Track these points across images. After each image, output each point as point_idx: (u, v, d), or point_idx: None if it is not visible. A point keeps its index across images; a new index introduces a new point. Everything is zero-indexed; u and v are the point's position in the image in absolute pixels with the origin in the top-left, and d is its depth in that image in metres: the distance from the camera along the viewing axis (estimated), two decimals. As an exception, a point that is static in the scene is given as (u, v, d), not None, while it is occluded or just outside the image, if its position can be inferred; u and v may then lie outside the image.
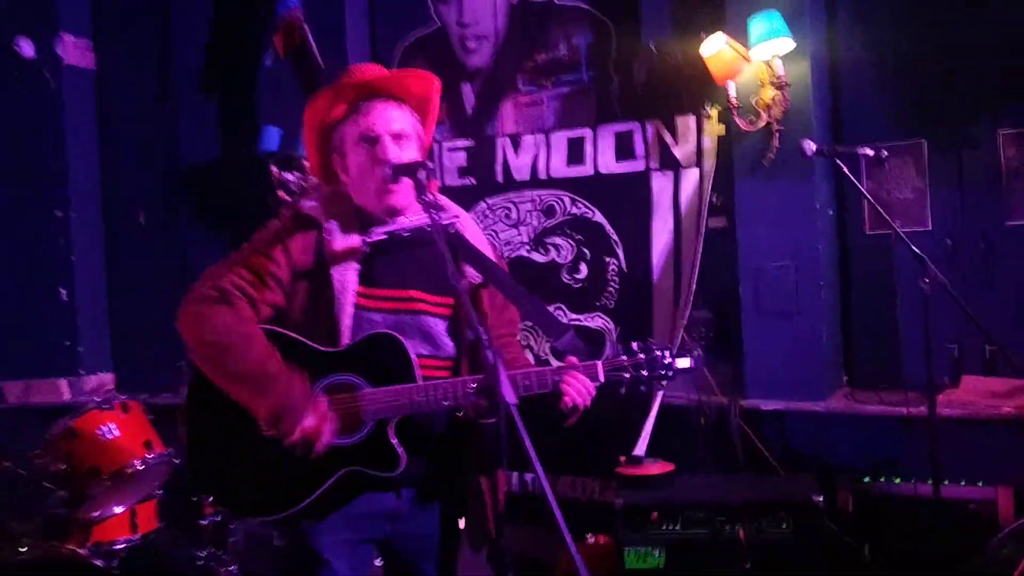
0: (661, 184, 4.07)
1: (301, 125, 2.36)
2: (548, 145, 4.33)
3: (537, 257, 4.35)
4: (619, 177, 4.17)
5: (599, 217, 4.23)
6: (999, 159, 3.63)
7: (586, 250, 4.26)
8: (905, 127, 3.79)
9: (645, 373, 2.25)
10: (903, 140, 3.77)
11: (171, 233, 5.32)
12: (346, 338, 2.22)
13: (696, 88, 3.93)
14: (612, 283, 4.20)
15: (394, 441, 2.18)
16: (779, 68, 3.62)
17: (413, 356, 2.20)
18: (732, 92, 3.75)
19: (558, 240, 4.31)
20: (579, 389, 2.19)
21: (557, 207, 4.31)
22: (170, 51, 5.32)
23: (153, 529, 3.72)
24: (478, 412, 2.23)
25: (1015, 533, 2.84)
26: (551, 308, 4.26)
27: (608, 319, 4.20)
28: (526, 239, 4.37)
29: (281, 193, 4.71)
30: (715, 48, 3.70)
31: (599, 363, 2.23)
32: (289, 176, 4.71)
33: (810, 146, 3.17)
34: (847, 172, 3.18)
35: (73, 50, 5.37)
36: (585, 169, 4.25)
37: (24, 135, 5.33)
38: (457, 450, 2.33)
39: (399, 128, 2.27)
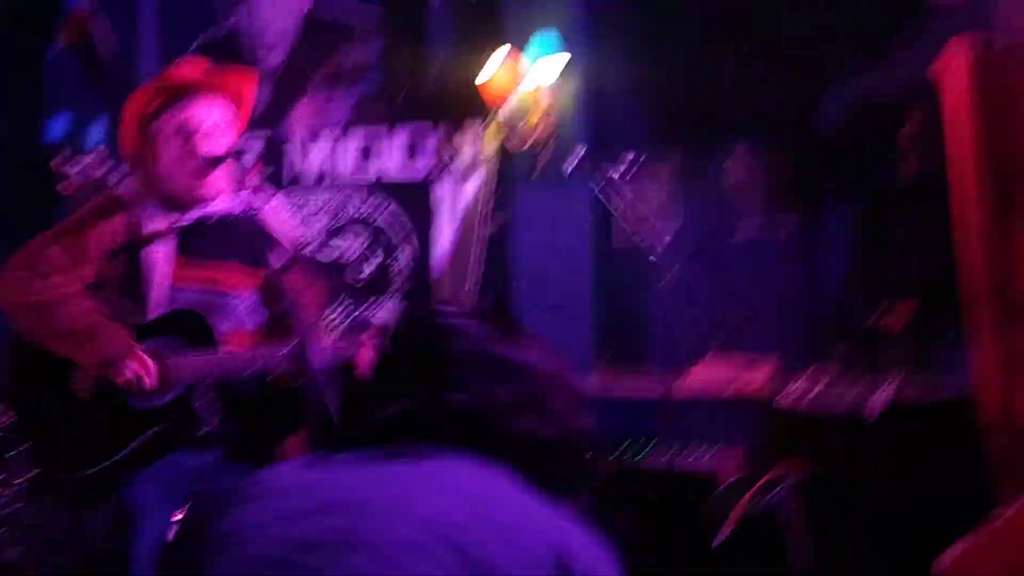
0: (445, 189, 4.44)
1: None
2: (338, 148, 4.60)
3: (326, 253, 4.60)
4: (405, 181, 4.50)
5: (386, 217, 4.54)
6: (730, 175, 4.25)
7: (374, 248, 4.55)
8: (659, 145, 4.35)
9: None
10: (657, 157, 4.33)
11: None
12: (156, 312, 2.43)
13: (479, 102, 4.31)
14: (398, 279, 4.52)
15: (198, 403, 2.41)
16: (549, 90, 4.09)
17: (216, 329, 2.44)
18: (508, 109, 4.18)
19: (347, 238, 4.58)
20: (370, 357, 2.50)
21: (346, 206, 4.58)
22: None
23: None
24: (286, 377, 2.50)
25: (730, 489, 3.39)
26: (340, 303, 4.54)
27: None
28: (316, 235, 4.60)
29: (64, 185, 4.69)
30: (493, 68, 4.11)
31: (367, 336, 2.56)
32: (74, 167, 4.70)
33: (568, 161, 3.65)
34: (595, 186, 3.68)
35: None
36: (373, 172, 4.55)
37: None
38: (265, 413, 2.58)
39: (213, 122, 2.50)
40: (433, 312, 1.24)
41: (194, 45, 4.93)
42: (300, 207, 4.63)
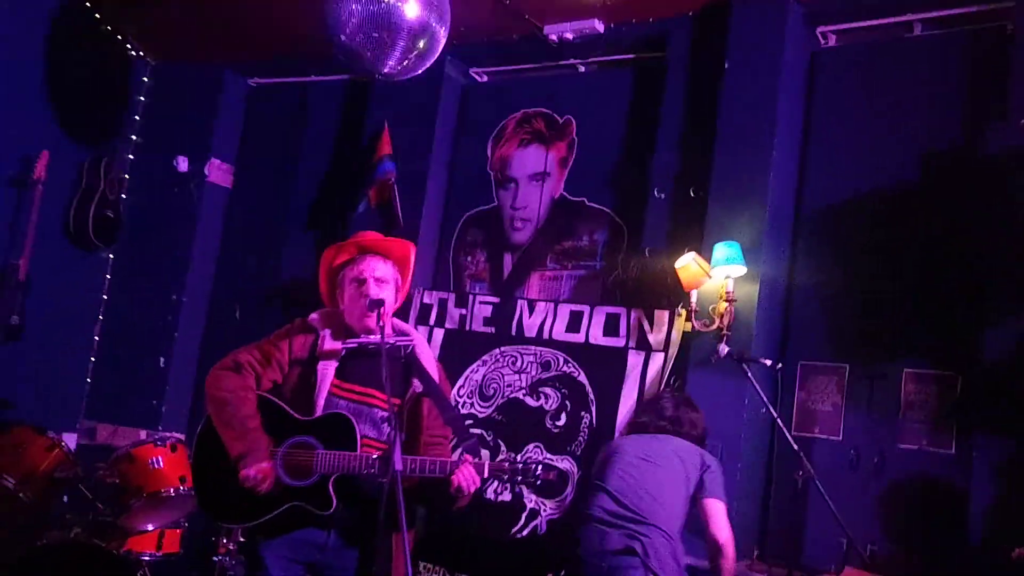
0: (634, 361, 4.96)
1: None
2: (555, 313, 5.30)
3: (530, 401, 5.26)
4: (603, 349, 5.08)
5: (583, 378, 5.13)
6: (902, 392, 4.38)
7: (568, 403, 5.14)
8: (835, 351, 4.60)
9: (519, 478, 3.13)
10: (831, 361, 4.58)
11: (260, 329, 6.43)
12: (317, 412, 3.19)
13: (673, 290, 4.84)
14: (583, 433, 5.05)
15: (330, 490, 3.10)
16: (730, 287, 4.52)
17: (358, 433, 3.14)
18: (694, 299, 4.66)
19: (548, 390, 5.22)
20: (467, 477, 3.08)
21: (552, 363, 5.24)
22: (291, 185, 6.61)
23: (174, 552, 4.66)
24: (378, 476, 3.11)
25: None
26: (532, 446, 5.15)
27: (574, 463, 5.02)
28: (524, 385, 5.29)
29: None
30: (685, 262, 4.64)
31: (485, 462, 3.13)
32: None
33: (723, 349, 4.04)
34: (750, 376, 4.03)
35: (217, 171, 6.73)
36: (579, 337, 5.18)
37: (166, 232, 6.67)
38: (373, 507, 3.20)
39: (380, 275, 3.29)
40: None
41: (467, 213, 5.96)
42: (517, 359, 5.37)
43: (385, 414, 3.25)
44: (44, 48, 6.06)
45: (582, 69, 5.77)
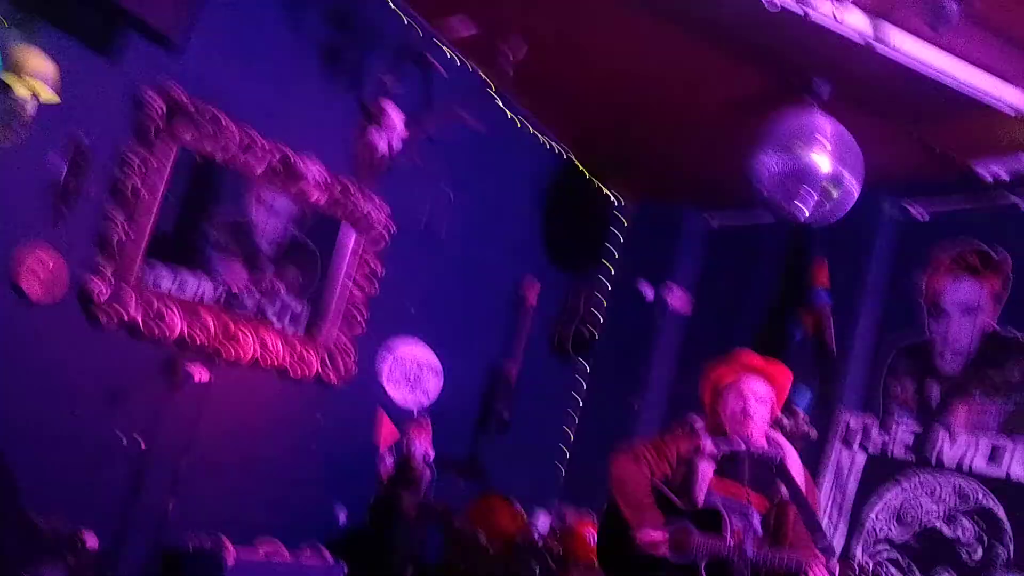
0: (1057, 498, 4.85)
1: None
2: (976, 445, 5.33)
3: (946, 531, 5.31)
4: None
5: (1001, 513, 5.08)
6: None
7: (985, 536, 5.12)
8: None
9: (866, 584, 3.50)
10: None
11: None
12: (697, 503, 3.87)
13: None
14: (1000, 571, 4.98)
15: (702, 568, 3.73)
16: None
17: (728, 525, 3.75)
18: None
19: (965, 522, 5.24)
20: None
21: (971, 496, 5.26)
22: (740, 314, 7.32)
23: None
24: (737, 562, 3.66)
25: None
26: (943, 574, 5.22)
27: (988, 599, 4.98)
28: (941, 513, 5.37)
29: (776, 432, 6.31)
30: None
31: (836, 565, 3.54)
32: (785, 421, 6.29)
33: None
34: None
35: (677, 299, 7.70)
36: (999, 471, 5.16)
37: (632, 349, 7.76)
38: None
39: (760, 394, 3.90)
40: None
41: (899, 344, 6.20)
42: (935, 488, 5.47)
43: (754, 511, 3.83)
44: (542, 199, 7.58)
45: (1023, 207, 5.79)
